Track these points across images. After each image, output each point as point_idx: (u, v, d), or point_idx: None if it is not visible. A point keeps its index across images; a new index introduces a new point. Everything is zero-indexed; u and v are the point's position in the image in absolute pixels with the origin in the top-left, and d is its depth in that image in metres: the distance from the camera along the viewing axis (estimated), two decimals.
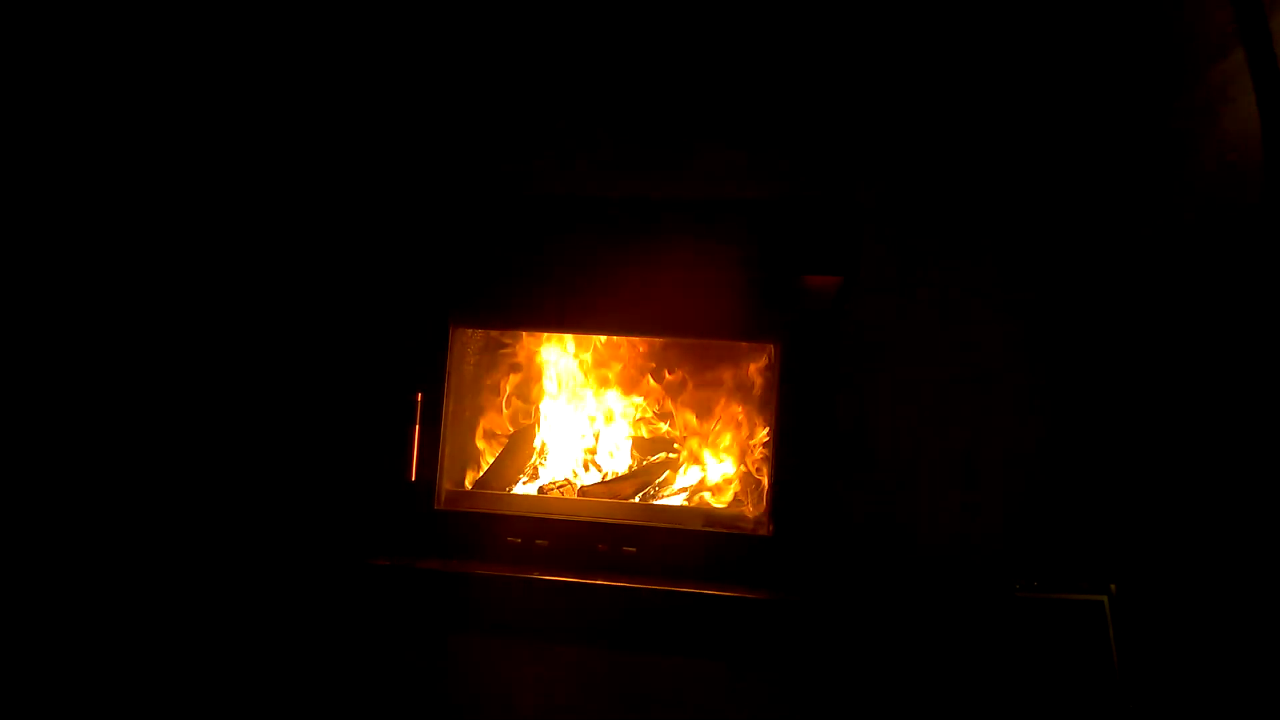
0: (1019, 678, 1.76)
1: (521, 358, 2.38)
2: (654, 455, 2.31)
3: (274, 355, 2.16)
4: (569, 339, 2.34)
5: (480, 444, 2.35)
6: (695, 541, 2.01)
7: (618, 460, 2.35)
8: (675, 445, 2.33)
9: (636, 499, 2.22)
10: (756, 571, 1.94)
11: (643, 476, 2.27)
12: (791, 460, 1.98)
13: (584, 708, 1.88)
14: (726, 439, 2.30)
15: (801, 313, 1.99)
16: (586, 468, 2.34)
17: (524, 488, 2.31)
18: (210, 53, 2.22)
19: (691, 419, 2.34)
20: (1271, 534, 1.78)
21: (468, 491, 2.23)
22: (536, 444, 2.37)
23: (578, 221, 2.06)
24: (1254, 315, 1.84)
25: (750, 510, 2.12)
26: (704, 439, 2.33)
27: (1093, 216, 1.92)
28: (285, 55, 2.19)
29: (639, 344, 2.35)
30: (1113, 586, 1.77)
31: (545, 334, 2.33)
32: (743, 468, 2.26)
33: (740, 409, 2.29)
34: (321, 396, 2.14)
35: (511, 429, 2.38)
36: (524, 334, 2.34)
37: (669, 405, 2.35)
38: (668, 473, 2.29)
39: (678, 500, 2.24)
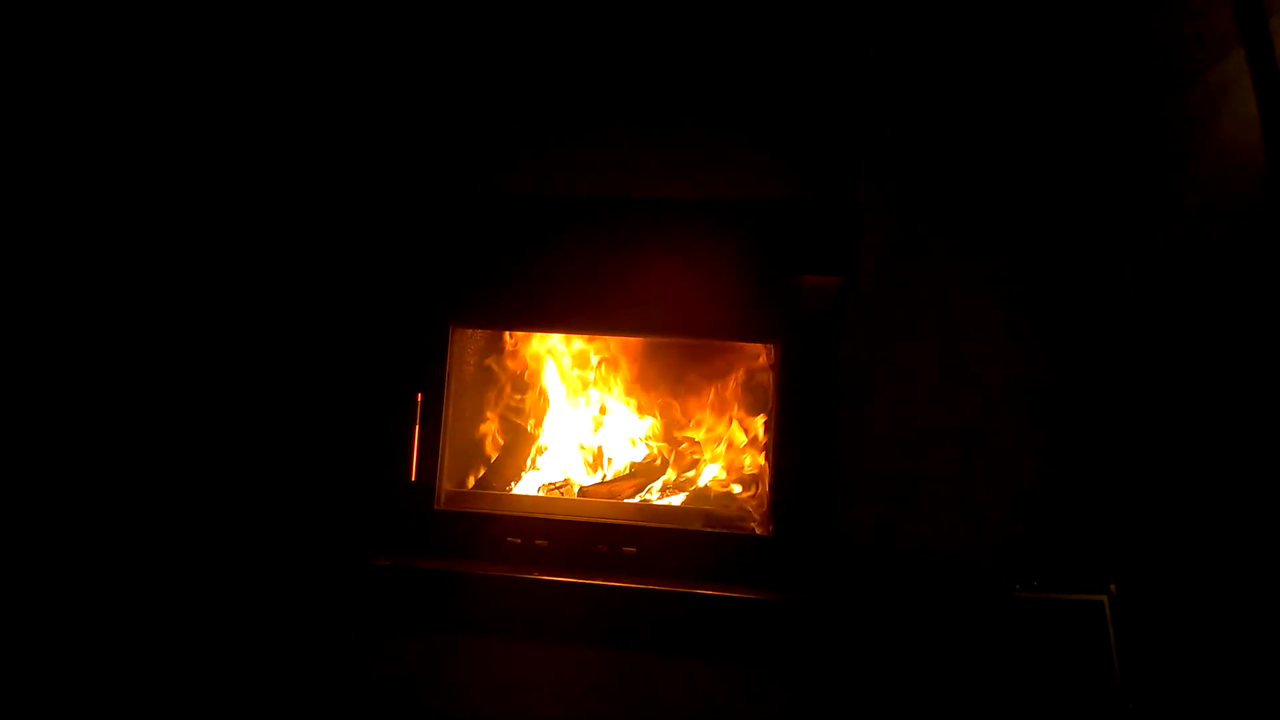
0: (1019, 678, 1.76)
1: (521, 357, 2.38)
2: (654, 455, 2.31)
3: (275, 356, 2.17)
4: (569, 338, 2.35)
5: (479, 444, 2.36)
6: (695, 541, 2.00)
7: (618, 460, 2.35)
8: (675, 444, 2.33)
9: (636, 499, 2.23)
10: (757, 572, 1.94)
11: (643, 476, 2.27)
12: (791, 460, 1.97)
13: (584, 708, 1.88)
14: (726, 438, 2.31)
15: (801, 313, 1.99)
16: (594, 462, 2.34)
17: (524, 484, 2.31)
18: (210, 56, 2.22)
19: (693, 419, 2.34)
20: (1271, 534, 1.78)
21: (468, 492, 2.24)
22: (536, 443, 2.37)
23: (577, 221, 2.06)
24: (1254, 314, 1.84)
25: (750, 510, 2.12)
26: (704, 438, 2.33)
27: (1093, 216, 1.92)
28: (285, 58, 2.19)
29: (639, 343, 2.35)
30: (1113, 586, 1.77)
31: (545, 334, 2.33)
32: (742, 467, 2.26)
33: (740, 408, 2.29)
34: (322, 397, 2.14)
35: (512, 429, 2.38)
36: (524, 334, 2.34)
37: (670, 404, 2.36)
38: (668, 470, 2.29)
39: (678, 500, 2.24)
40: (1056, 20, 1.94)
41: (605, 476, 2.30)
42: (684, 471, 2.31)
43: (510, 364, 2.38)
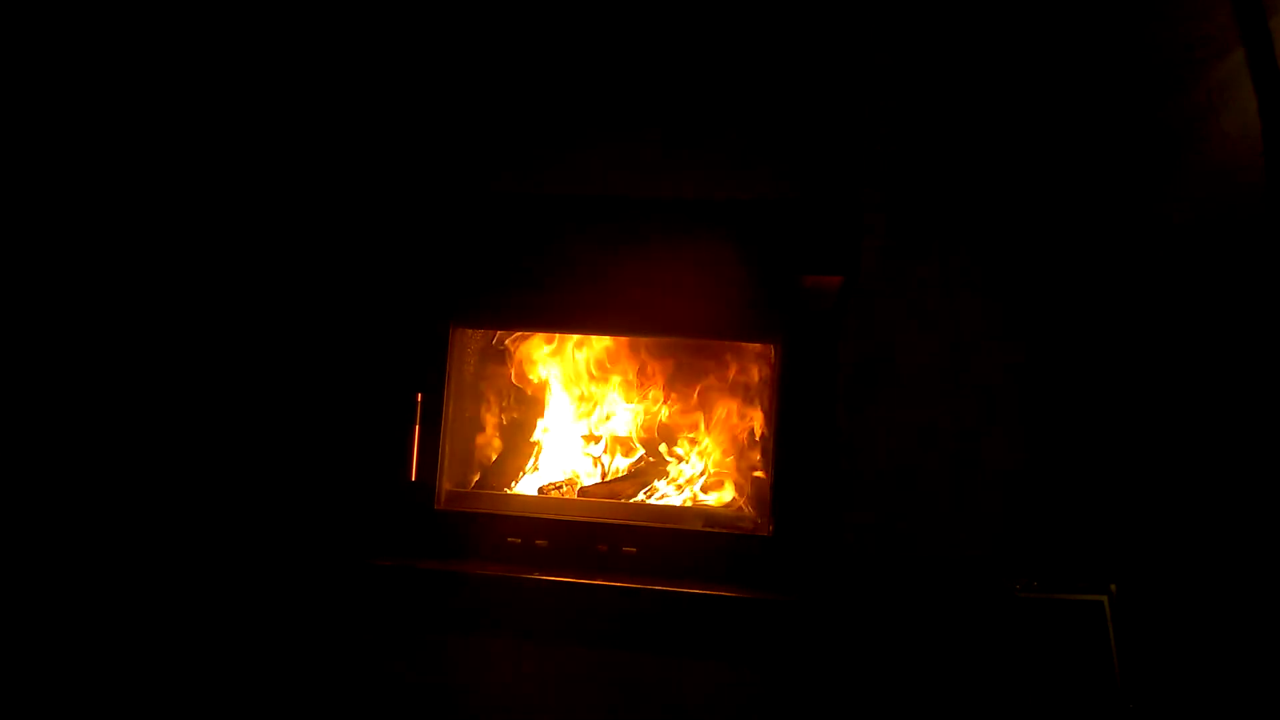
0: (1019, 678, 1.76)
1: (522, 357, 2.38)
2: (654, 455, 2.31)
3: (276, 357, 2.17)
4: (569, 338, 2.35)
5: (480, 444, 2.35)
6: (695, 541, 2.01)
7: (617, 460, 2.35)
8: (676, 445, 2.33)
9: (636, 499, 2.22)
10: (757, 572, 1.94)
11: (643, 477, 2.27)
12: (791, 460, 1.97)
13: (584, 707, 1.88)
14: (727, 438, 2.31)
15: (801, 313, 1.99)
16: (593, 460, 2.34)
17: (524, 484, 2.31)
18: (212, 58, 2.22)
19: (694, 418, 2.34)
20: (1271, 534, 1.78)
21: (468, 492, 2.24)
22: (537, 443, 2.37)
23: (578, 221, 2.06)
24: (1253, 315, 1.84)
25: (750, 510, 2.12)
26: (705, 438, 2.33)
27: (1092, 218, 1.92)
28: (287, 61, 2.19)
29: (640, 343, 2.35)
30: (1113, 586, 1.77)
31: (545, 334, 2.33)
32: (743, 467, 2.26)
33: (741, 409, 2.29)
34: (323, 398, 2.14)
35: (512, 429, 2.38)
36: (524, 334, 2.34)
37: (670, 404, 2.36)
38: (668, 469, 2.29)
39: (678, 500, 2.24)
40: (1057, 21, 1.94)
41: (605, 477, 2.30)
42: (684, 470, 2.31)
43: (511, 364, 2.38)
